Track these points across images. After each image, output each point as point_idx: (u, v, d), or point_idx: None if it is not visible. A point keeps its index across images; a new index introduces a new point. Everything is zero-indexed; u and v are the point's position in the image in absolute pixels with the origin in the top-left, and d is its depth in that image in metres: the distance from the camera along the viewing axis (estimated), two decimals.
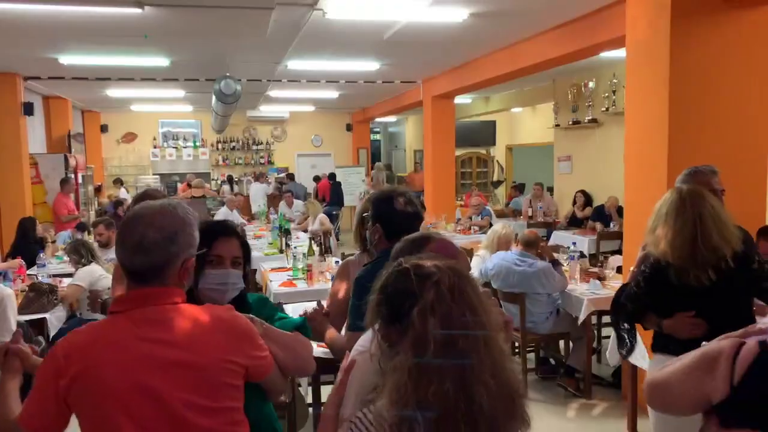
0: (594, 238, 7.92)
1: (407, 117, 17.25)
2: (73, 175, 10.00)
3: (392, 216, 2.44)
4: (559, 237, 8.43)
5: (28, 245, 6.75)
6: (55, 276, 5.56)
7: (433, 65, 8.70)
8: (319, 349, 3.24)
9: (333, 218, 11.34)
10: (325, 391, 2.54)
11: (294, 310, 4.18)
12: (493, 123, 15.02)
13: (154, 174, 14.25)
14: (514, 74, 7.46)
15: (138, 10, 5.00)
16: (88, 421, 1.52)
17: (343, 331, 2.59)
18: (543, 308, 4.85)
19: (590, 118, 9.50)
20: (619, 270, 5.28)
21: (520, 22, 6.01)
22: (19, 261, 5.81)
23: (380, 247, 2.47)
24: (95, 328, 1.59)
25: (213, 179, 14.59)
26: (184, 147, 14.54)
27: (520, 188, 12.17)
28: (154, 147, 14.34)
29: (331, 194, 13.03)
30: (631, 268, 2.92)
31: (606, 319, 5.18)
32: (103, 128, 13.98)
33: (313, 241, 6.30)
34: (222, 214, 9.83)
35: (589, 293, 4.75)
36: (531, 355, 5.39)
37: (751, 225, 3.58)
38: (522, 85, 11.07)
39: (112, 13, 5.18)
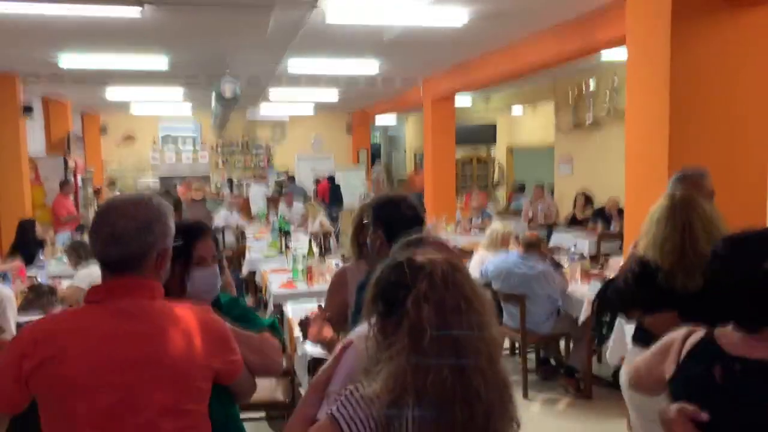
0: (594, 239, 7.91)
1: (407, 117, 17.25)
2: (72, 177, 9.99)
3: (394, 222, 2.35)
4: (559, 238, 8.42)
5: (27, 246, 6.73)
6: (54, 277, 5.55)
7: (433, 65, 8.70)
8: (317, 350, 3.24)
9: (333, 220, 11.34)
10: None
11: (294, 311, 4.18)
12: (493, 124, 15.02)
13: (153, 176, 14.25)
14: (514, 74, 7.46)
15: (138, 10, 5.00)
16: (47, 408, 1.49)
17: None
18: (543, 309, 4.84)
19: (591, 119, 9.50)
20: None
21: (520, 22, 6.01)
22: (18, 262, 5.79)
23: (382, 253, 2.41)
24: (69, 316, 1.57)
25: (213, 182, 14.60)
26: (184, 149, 14.54)
27: (520, 189, 12.16)
28: (154, 149, 14.34)
29: (330, 196, 13.05)
30: (620, 264, 2.95)
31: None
32: (103, 130, 13.99)
33: (312, 243, 6.29)
34: (222, 215, 9.83)
35: (590, 294, 4.73)
36: (531, 356, 5.38)
37: (751, 225, 3.56)
38: (522, 85, 11.08)
39: (111, 12, 5.18)
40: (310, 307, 3.17)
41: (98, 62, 7.46)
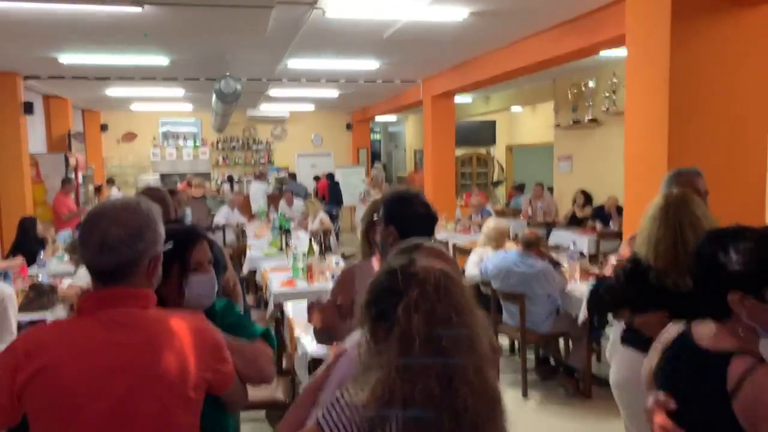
0: (594, 237, 7.92)
1: (407, 116, 17.25)
2: (73, 175, 10.00)
3: (408, 217, 2.31)
4: (558, 237, 8.44)
5: (28, 245, 6.74)
6: (55, 275, 5.56)
7: (433, 64, 8.70)
8: (318, 350, 3.26)
9: (332, 218, 11.35)
10: None
11: (294, 310, 4.20)
12: (492, 123, 15.02)
13: (154, 173, 14.24)
14: (514, 73, 7.46)
15: (138, 9, 5.00)
16: (39, 421, 1.47)
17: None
18: (543, 308, 4.85)
19: (590, 117, 9.50)
20: None
21: (519, 21, 6.02)
22: (19, 260, 5.80)
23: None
24: (60, 327, 1.55)
25: (213, 179, 14.60)
26: (184, 146, 14.55)
27: (520, 188, 12.17)
28: (154, 146, 14.35)
29: (329, 194, 13.04)
30: (613, 262, 2.97)
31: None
32: (103, 127, 13.98)
33: (313, 241, 6.30)
34: (223, 212, 9.85)
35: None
36: (531, 355, 5.39)
37: (751, 224, 3.57)
38: (522, 85, 11.08)
39: (111, 11, 5.18)
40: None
41: (99, 61, 7.47)
